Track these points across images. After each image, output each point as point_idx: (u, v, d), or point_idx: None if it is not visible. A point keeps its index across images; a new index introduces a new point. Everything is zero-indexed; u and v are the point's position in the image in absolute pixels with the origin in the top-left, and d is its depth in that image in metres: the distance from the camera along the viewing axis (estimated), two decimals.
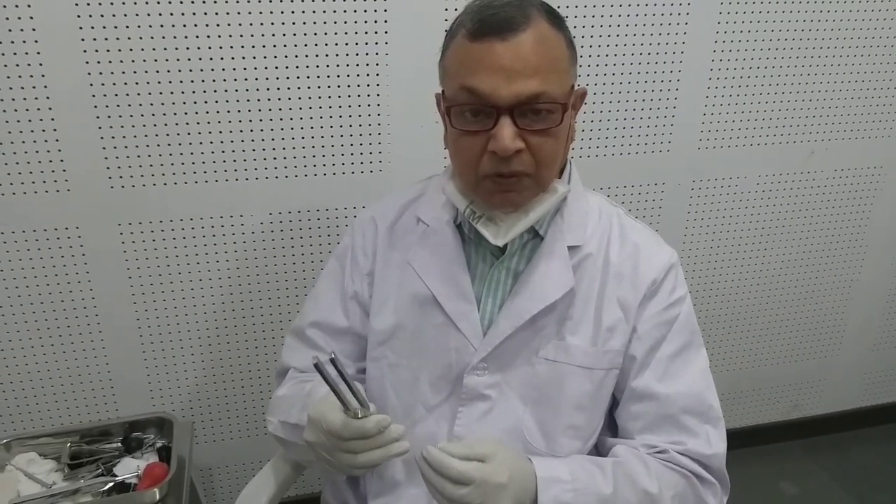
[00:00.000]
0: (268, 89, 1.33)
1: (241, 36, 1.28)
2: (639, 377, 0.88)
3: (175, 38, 1.25)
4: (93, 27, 1.21)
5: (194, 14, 1.24)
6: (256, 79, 1.32)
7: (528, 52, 0.75)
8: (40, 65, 1.22)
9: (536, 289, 0.87)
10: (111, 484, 1.18)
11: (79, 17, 1.20)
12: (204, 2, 1.24)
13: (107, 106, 1.27)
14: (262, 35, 1.29)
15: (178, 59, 1.27)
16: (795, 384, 2.01)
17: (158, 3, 1.22)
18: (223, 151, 1.35)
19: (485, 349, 0.88)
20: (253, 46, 1.29)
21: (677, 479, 0.85)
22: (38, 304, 1.38)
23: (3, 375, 1.42)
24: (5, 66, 1.21)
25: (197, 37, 1.26)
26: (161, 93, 1.28)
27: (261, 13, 1.27)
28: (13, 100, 1.23)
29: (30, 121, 1.25)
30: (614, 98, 1.52)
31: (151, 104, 1.29)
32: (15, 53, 1.20)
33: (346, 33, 1.33)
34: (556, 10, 0.82)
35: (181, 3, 1.23)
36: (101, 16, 1.21)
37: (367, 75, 1.37)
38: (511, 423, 0.89)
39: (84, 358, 1.44)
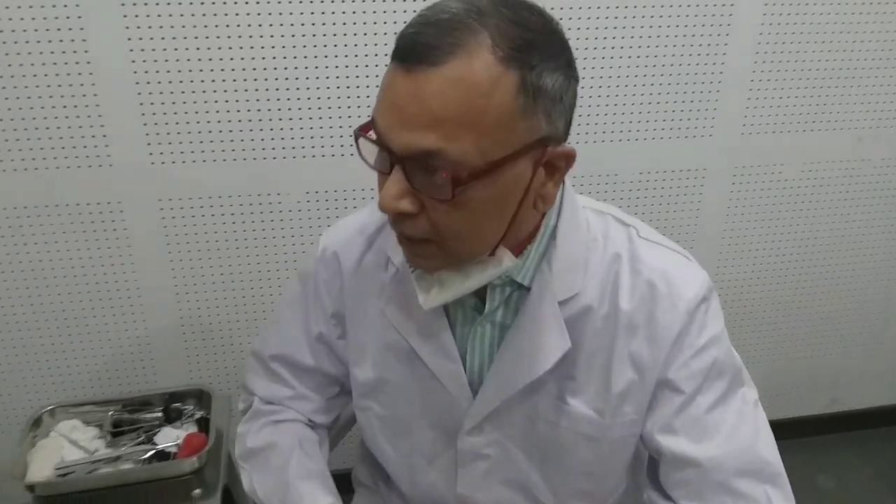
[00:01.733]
0: (306, 68, 1.33)
1: (281, 13, 1.28)
2: (673, 441, 0.74)
3: (216, 15, 1.26)
4: (135, 3, 1.22)
5: None
6: (295, 57, 1.31)
7: (431, 97, 0.56)
8: (83, 41, 1.23)
9: (525, 353, 0.73)
10: (152, 452, 1.21)
11: None
12: None
13: (148, 83, 1.28)
14: (313, 13, 1.28)
15: (217, 37, 1.27)
16: (835, 377, 1.96)
17: None
18: (261, 130, 1.36)
19: (474, 418, 0.78)
20: (301, 24, 1.29)
21: None
22: (82, 276, 1.41)
23: (48, 346, 1.46)
24: (49, 41, 1.22)
25: (237, 14, 1.26)
26: (202, 70, 1.29)
27: None
28: (56, 75, 1.25)
29: (73, 96, 1.27)
30: (655, 80, 1.49)
31: (192, 81, 1.30)
32: (59, 29, 1.22)
33: (384, 12, 1.32)
34: (530, 34, 0.58)
35: None
36: None
37: None
38: (516, 477, 0.81)
39: (125, 331, 1.47)
